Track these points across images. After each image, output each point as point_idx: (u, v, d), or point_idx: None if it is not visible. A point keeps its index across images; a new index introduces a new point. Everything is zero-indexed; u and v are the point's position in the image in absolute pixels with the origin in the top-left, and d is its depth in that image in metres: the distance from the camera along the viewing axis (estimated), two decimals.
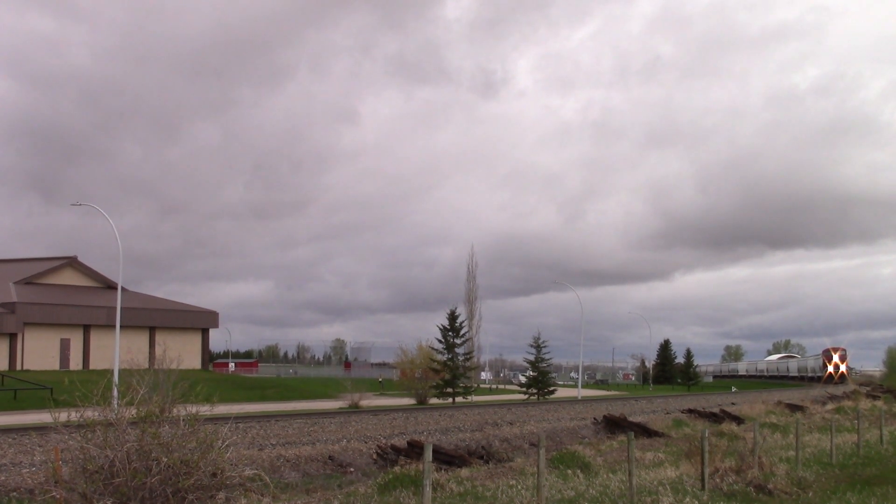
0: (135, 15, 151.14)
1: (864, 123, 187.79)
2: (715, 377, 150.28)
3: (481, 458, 26.33)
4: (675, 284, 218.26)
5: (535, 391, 60.43)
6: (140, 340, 62.90)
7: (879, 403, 55.64)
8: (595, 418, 39.56)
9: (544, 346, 62.12)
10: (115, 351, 37.87)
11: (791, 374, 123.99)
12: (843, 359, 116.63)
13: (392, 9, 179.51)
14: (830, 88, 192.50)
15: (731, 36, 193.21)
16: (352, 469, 24.74)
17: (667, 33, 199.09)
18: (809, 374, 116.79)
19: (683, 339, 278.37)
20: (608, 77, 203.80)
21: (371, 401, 49.80)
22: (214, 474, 11.69)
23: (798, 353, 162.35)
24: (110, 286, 68.66)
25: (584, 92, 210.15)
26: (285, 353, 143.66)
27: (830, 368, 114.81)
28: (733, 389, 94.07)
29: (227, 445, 12.30)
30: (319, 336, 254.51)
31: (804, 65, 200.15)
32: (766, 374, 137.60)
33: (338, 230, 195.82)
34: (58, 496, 11.35)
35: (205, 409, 12.80)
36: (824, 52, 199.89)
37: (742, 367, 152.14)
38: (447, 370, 53.44)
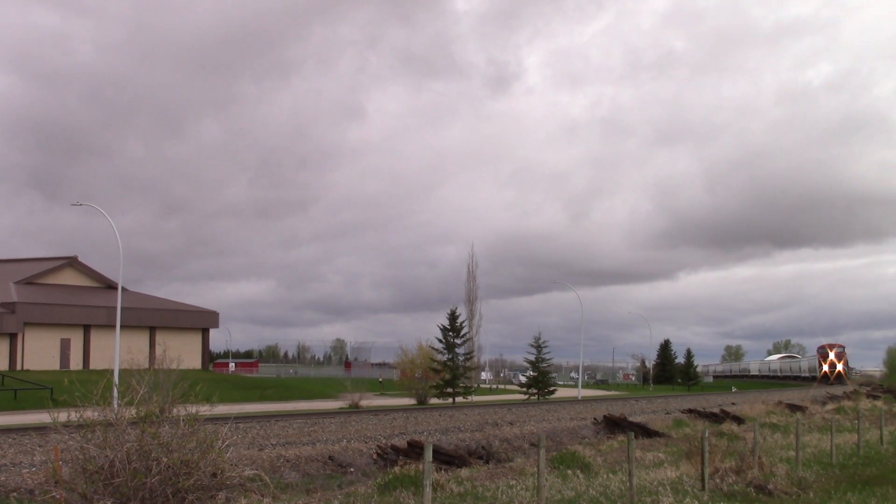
0: (140, 10, 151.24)
1: (876, 121, 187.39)
2: (724, 377, 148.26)
3: (481, 458, 26.33)
4: (679, 284, 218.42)
5: (535, 391, 60.42)
6: (140, 340, 62.85)
7: (879, 403, 55.64)
8: (595, 418, 39.54)
9: (545, 346, 62.19)
10: (116, 351, 37.86)
11: (803, 375, 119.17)
12: (840, 357, 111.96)
13: (401, 1, 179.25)
14: (843, 85, 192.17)
15: (744, 31, 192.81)
16: (352, 469, 24.73)
17: (679, 28, 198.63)
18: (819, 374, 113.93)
19: (684, 339, 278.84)
20: (618, 73, 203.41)
21: (371, 401, 49.79)
22: (214, 474, 11.70)
23: (798, 353, 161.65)
24: (111, 286, 68.65)
25: (594, 88, 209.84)
26: (285, 353, 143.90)
27: (826, 367, 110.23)
28: (733, 389, 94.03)
29: (227, 445, 12.32)
30: (319, 336, 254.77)
31: (818, 61, 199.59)
32: (778, 373, 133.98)
33: (341, 229, 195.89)
34: (58, 496, 11.35)
35: (205, 409, 12.82)
36: (839, 48, 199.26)
37: (754, 366, 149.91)
38: (447, 370, 53.43)
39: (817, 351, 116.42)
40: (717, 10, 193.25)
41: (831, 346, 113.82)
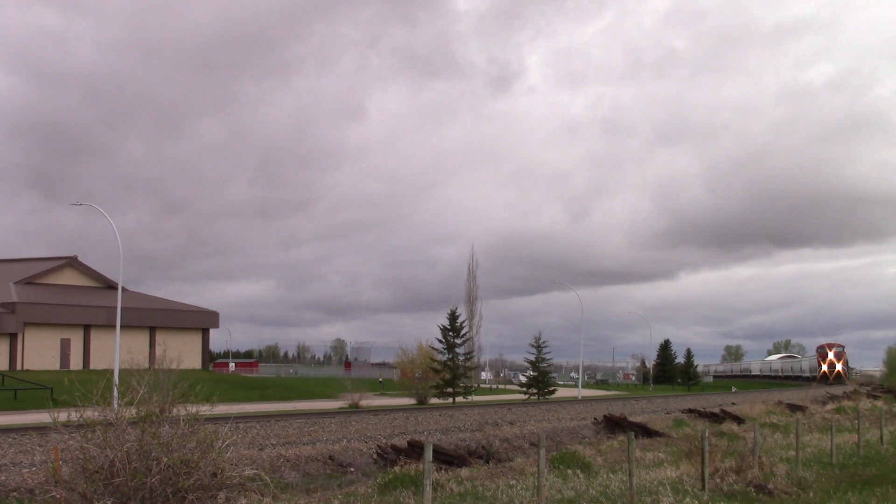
0: (140, 10, 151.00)
1: (877, 120, 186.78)
2: (726, 377, 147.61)
3: (481, 458, 26.34)
4: (680, 284, 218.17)
5: (535, 391, 60.41)
6: (140, 340, 62.88)
7: (879, 403, 55.66)
8: (595, 418, 39.55)
9: (545, 346, 62.16)
10: (116, 351, 37.85)
11: (804, 375, 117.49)
12: (839, 356, 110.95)
13: (401, 0, 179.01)
14: (845, 85, 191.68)
15: (745, 31, 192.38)
16: (352, 469, 24.75)
17: (680, 28, 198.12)
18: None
19: (684, 338, 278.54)
20: (619, 72, 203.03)
21: (371, 401, 49.79)
22: (214, 474, 11.70)
23: (798, 353, 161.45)
24: (111, 286, 68.67)
25: (595, 88, 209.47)
26: (285, 353, 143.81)
27: (825, 367, 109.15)
28: (733, 389, 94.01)
29: (227, 445, 12.32)
30: (319, 336, 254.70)
31: (819, 61, 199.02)
32: (780, 373, 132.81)
33: (342, 229, 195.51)
34: (58, 496, 11.36)
35: (205, 409, 12.81)
36: (840, 47, 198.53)
37: (756, 366, 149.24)
38: (447, 370, 53.43)
39: (816, 351, 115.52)
40: (718, 10, 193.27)
41: (830, 346, 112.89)
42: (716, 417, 41.11)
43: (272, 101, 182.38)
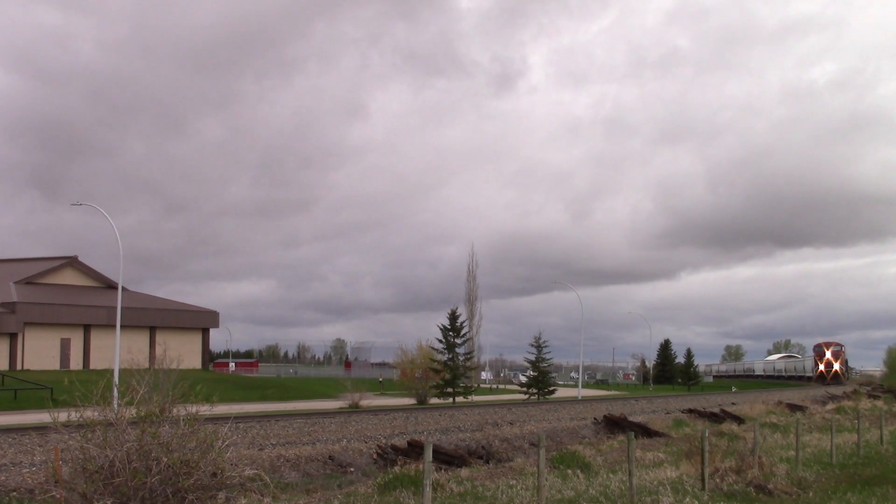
0: (141, 9, 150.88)
1: (880, 120, 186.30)
2: (728, 377, 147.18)
3: (481, 458, 26.34)
4: (681, 284, 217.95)
5: (535, 391, 60.42)
6: (140, 340, 62.88)
7: (879, 403, 55.66)
8: (595, 418, 39.54)
9: (545, 346, 62.17)
10: (116, 351, 37.85)
11: (807, 374, 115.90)
12: (837, 355, 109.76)
13: None
14: (848, 84, 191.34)
15: (748, 29, 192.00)
16: (352, 469, 24.74)
17: (683, 26, 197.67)
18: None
19: (685, 338, 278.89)
20: (622, 71, 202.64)
21: (371, 401, 49.79)
22: (214, 474, 11.71)
23: (798, 353, 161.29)
24: (111, 286, 68.67)
25: (597, 87, 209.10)
26: (285, 353, 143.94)
27: (822, 366, 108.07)
28: (733, 389, 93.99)
29: (227, 445, 12.32)
30: (320, 336, 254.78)
31: (822, 59, 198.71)
32: (783, 373, 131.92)
33: (342, 228, 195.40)
34: (58, 496, 11.37)
35: (205, 409, 12.82)
36: (843, 46, 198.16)
37: (759, 366, 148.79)
38: (447, 370, 53.44)
39: (813, 350, 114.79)
40: (721, 8, 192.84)
41: (828, 345, 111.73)
42: (716, 417, 41.10)
43: (273, 100, 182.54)
